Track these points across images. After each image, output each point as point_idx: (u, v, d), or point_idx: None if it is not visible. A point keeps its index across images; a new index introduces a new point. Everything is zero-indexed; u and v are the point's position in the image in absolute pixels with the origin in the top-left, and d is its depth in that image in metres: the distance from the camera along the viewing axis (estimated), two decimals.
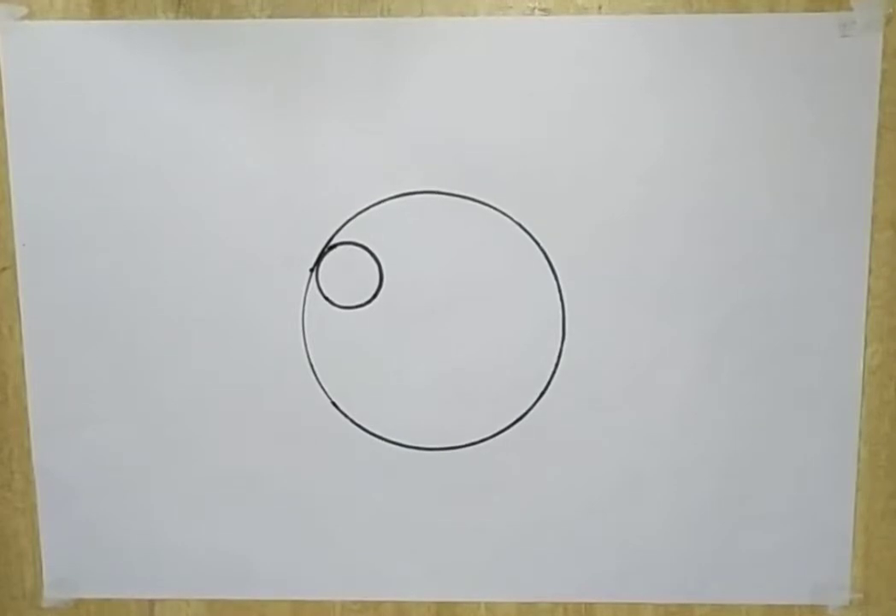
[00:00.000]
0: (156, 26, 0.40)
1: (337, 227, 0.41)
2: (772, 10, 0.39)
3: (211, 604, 0.44)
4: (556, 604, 0.44)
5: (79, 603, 0.44)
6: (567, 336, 0.41)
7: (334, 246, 0.41)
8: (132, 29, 0.40)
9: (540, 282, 0.41)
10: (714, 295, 0.41)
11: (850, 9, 0.39)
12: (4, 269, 0.42)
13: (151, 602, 0.44)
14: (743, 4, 0.39)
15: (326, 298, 0.41)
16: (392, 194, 0.41)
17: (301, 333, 0.41)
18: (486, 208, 0.40)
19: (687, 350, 0.41)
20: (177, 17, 0.40)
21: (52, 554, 0.44)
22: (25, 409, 0.43)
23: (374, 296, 0.41)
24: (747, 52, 0.39)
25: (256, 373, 0.42)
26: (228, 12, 0.40)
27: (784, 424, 0.42)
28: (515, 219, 0.40)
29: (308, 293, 0.41)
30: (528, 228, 0.41)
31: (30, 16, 0.40)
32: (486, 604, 0.43)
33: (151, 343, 0.42)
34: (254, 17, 0.40)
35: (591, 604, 0.43)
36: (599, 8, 0.39)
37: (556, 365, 0.41)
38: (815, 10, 0.39)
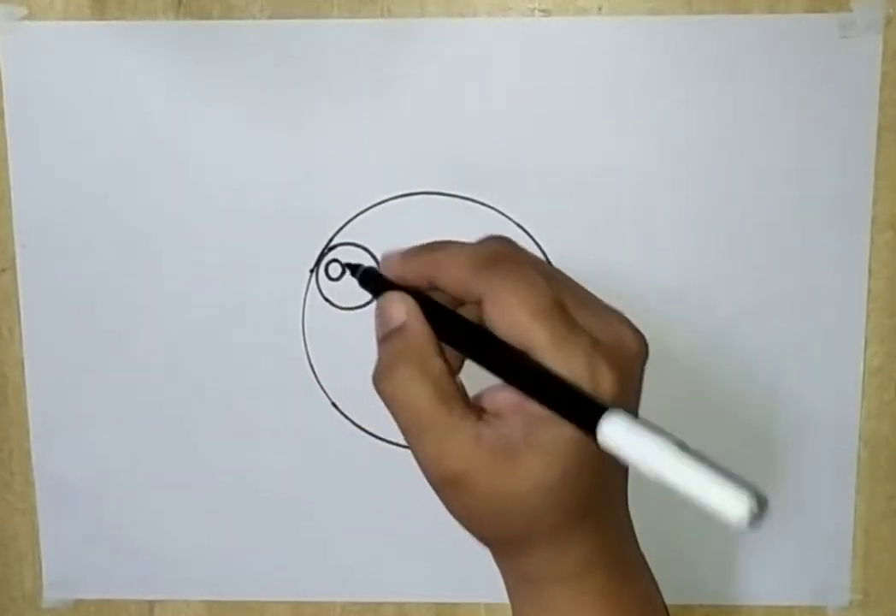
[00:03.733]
0: (156, 27, 0.40)
1: (337, 228, 0.41)
2: (772, 11, 0.39)
3: (211, 604, 0.44)
4: None
5: (78, 603, 0.44)
6: None
7: (334, 246, 0.41)
8: (132, 29, 0.40)
9: None
10: (713, 296, 0.41)
11: (850, 10, 0.39)
12: (4, 270, 0.41)
13: (151, 602, 0.44)
14: (743, 5, 0.39)
15: (326, 299, 0.41)
16: (392, 195, 0.41)
17: (301, 334, 0.41)
18: (486, 209, 0.40)
19: (686, 351, 0.41)
20: (177, 18, 0.40)
21: (52, 555, 0.44)
22: (25, 409, 0.42)
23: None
24: (747, 53, 0.39)
25: (256, 373, 0.42)
26: (228, 13, 0.40)
27: (784, 425, 0.42)
28: (515, 219, 0.40)
29: (308, 294, 0.41)
30: (528, 229, 0.40)
31: (30, 16, 0.40)
32: (486, 604, 0.43)
33: (151, 343, 0.42)
34: (254, 17, 0.39)
35: None
36: (599, 9, 0.39)
37: None
38: (815, 11, 0.39)
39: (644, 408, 0.42)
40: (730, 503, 0.25)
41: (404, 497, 0.42)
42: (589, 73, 0.39)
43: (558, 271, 0.34)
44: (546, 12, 0.39)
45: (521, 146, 0.40)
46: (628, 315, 0.41)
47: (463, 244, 0.34)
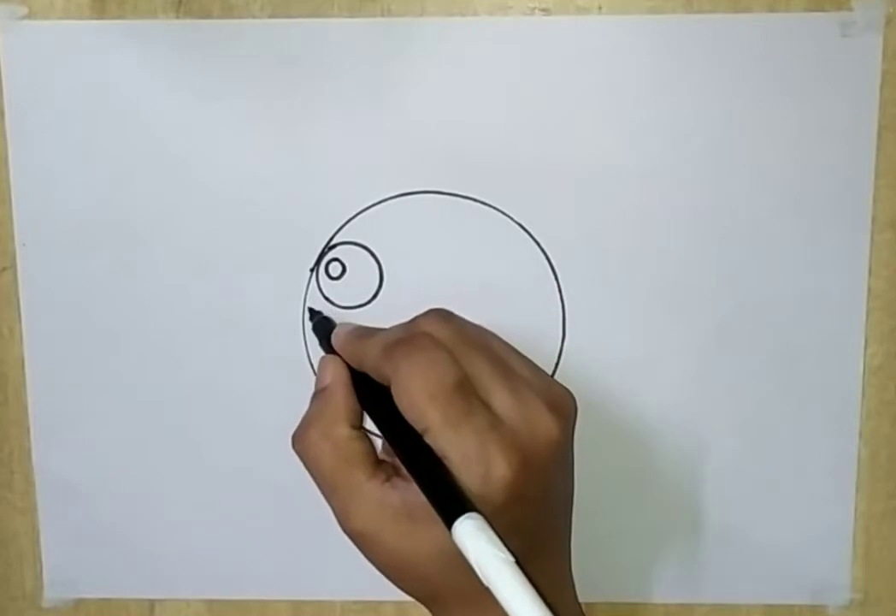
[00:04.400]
0: (156, 26, 0.40)
1: (337, 227, 0.41)
2: (772, 10, 0.39)
3: (211, 604, 0.44)
4: None
5: (79, 603, 0.44)
6: (567, 336, 0.41)
7: (334, 246, 0.41)
8: (132, 29, 0.40)
9: (540, 282, 0.41)
10: (713, 295, 0.41)
11: (850, 9, 0.39)
12: (4, 269, 0.42)
13: (151, 602, 0.44)
14: (743, 4, 0.39)
15: (326, 298, 0.41)
16: (392, 194, 0.41)
17: (301, 333, 0.41)
18: (486, 208, 0.40)
19: (686, 350, 0.41)
20: (177, 17, 0.40)
21: (53, 554, 0.44)
22: (25, 409, 0.42)
23: (375, 296, 0.41)
24: (747, 52, 0.39)
25: (256, 372, 0.42)
26: (229, 12, 0.40)
27: (784, 424, 0.42)
28: (515, 219, 0.40)
29: (308, 293, 0.41)
30: (528, 228, 0.40)
31: (30, 16, 0.40)
32: None
33: (151, 343, 0.42)
34: (254, 17, 0.39)
35: (590, 604, 0.43)
36: (599, 8, 0.39)
37: (557, 365, 0.41)
38: (816, 10, 0.39)
39: (644, 405, 0.42)
40: None
41: None
42: (589, 73, 0.39)
43: (484, 342, 0.34)
44: (546, 12, 0.39)
45: (522, 146, 0.40)
46: (627, 314, 0.41)
47: (388, 330, 0.35)
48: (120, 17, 0.40)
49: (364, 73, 0.40)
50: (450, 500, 0.30)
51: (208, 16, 0.40)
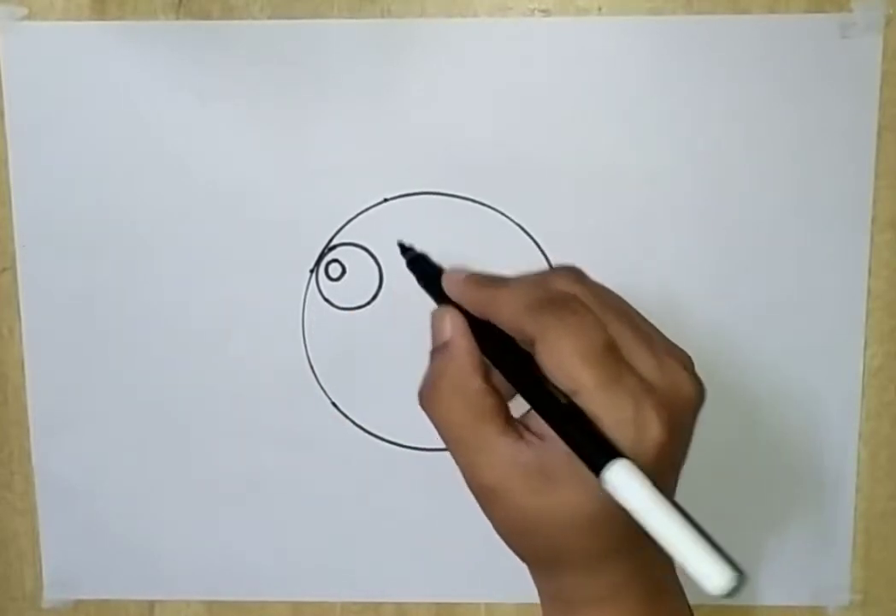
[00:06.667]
0: (156, 27, 0.40)
1: (337, 228, 0.41)
2: (772, 11, 0.39)
3: (211, 604, 0.44)
4: None
5: (78, 603, 0.44)
6: None
7: (334, 247, 0.41)
8: (132, 29, 0.40)
9: None
10: (713, 296, 0.41)
11: (850, 10, 0.39)
12: (4, 269, 0.42)
13: (151, 603, 0.44)
14: (743, 5, 0.39)
15: (326, 299, 0.41)
16: (392, 195, 0.41)
17: (301, 334, 0.41)
18: (486, 209, 0.40)
19: (686, 350, 0.41)
20: (177, 18, 0.40)
21: (52, 555, 0.44)
22: (25, 409, 0.43)
23: (374, 297, 0.41)
24: (747, 53, 0.39)
25: (256, 373, 0.42)
26: (229, 13, 0.40)
27: (784, 425, 0.42)
28: (515, 220, 0.40)
29: (308, 294, 0.41)
30: (528, 229, 0.41)
31: (30, 16, 0.40)
32: (486, 604, 0.43)
33: (151, 343, 0.42)
34: (254, 18, 0.40)
35: None
36: (599, 9, 0.39)
37: None
38: (816, 11, 0.39)
39: None
40: (712, 574, 0.26)
41: (404, 497, 0.42)
42: (589, 73, 0.40)
43: (619, 305, 0.34)
44: (546, 12, 0.39)
45: (521, 146, 0.40)
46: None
47: (522, 283, 0.34)
48: (120, 17, 0.40)
49: (364, 74, 0.40)
50: (598, 448, 0.29)
51: (208, 17, 0.40)
